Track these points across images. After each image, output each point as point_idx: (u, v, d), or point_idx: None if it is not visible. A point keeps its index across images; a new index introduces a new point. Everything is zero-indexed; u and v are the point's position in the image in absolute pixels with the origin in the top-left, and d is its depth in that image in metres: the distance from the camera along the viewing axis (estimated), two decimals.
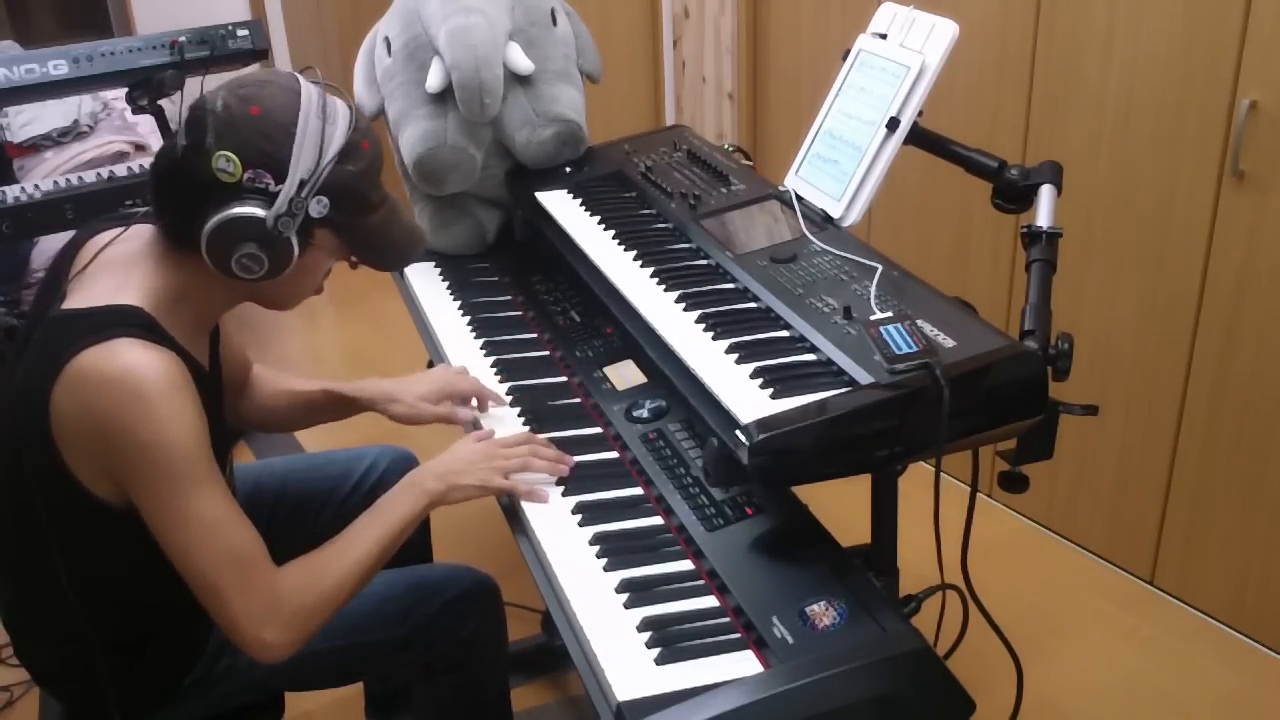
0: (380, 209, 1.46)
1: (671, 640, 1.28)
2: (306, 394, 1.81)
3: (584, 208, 2.00)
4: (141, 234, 1.43)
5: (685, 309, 1.61)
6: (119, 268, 1.39)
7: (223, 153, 1.31)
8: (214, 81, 1.42)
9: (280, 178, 1.33)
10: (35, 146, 3.70)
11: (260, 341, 3.93)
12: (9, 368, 1.39)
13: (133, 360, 1.27)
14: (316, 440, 3.16)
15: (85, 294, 1.36)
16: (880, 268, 1.56)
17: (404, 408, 1.75)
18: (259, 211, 1.32)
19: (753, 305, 1.59)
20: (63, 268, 1.44)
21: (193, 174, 1.32)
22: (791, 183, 1.83)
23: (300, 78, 1.40)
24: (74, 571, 1.40)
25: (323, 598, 1.39)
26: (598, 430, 1.70)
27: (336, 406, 1.81)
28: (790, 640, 1.23)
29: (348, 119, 1.40)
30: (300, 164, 1.34)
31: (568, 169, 2.17)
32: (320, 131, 1.35)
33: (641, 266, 1.75)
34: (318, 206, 1.36)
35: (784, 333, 1.52)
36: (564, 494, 1.55)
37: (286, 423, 1.86)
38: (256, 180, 1.32)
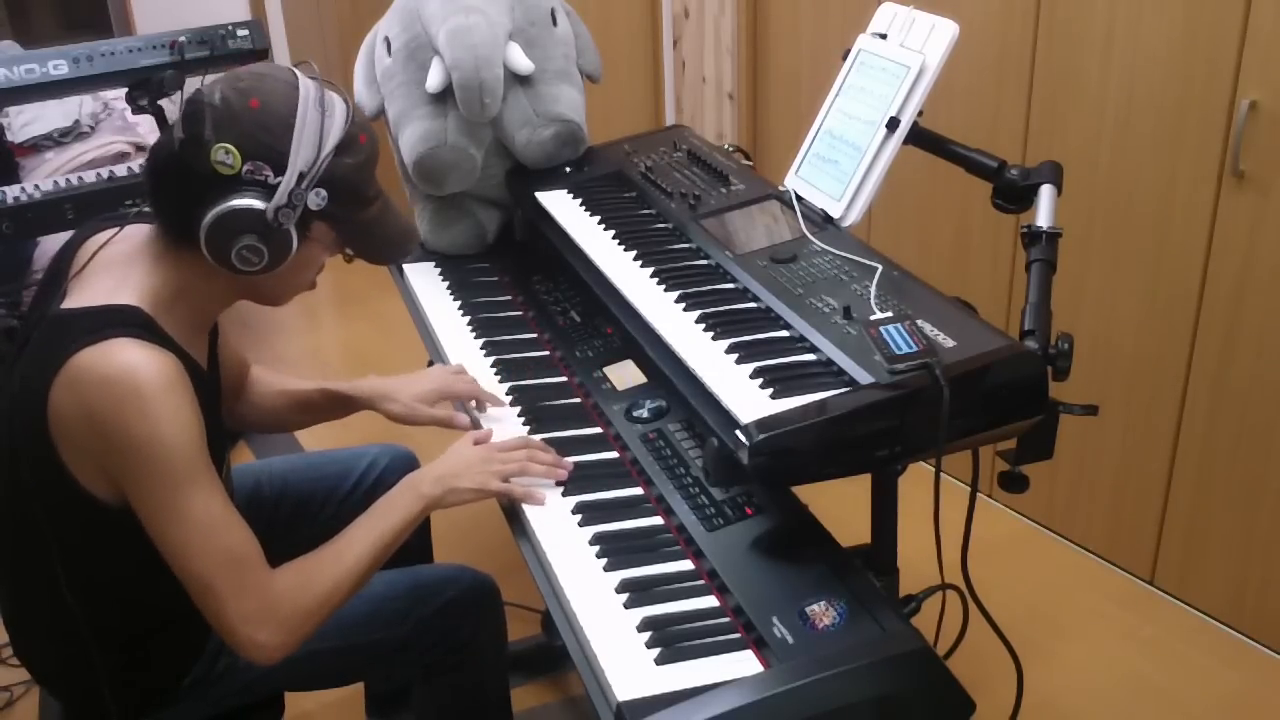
0: (375, 203, 1.47)
1: (671, 640, 1.28)
2: (303, 393, 1.82)
3: (584, 208, 2.00)
4: (137, 233, 1.43)
5: (685, 309, 1.61)
6: (117, 267, 1.39)
7: (222, 144, 1.31)
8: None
9: (279, 170, 1.33)
10: (36, 147, 3.70)
11: (260, 341, 3.93)
12: (8, 367, 1.40)
13: (130, 359, 1.27)
14: (317, 439, 3.16)
15: (84, 294, 1.36)
16: (880, 268, 1.56)
17: (400, 407, 1.75)
18: (259, 203, 1.32)
19: (753, 305, 1.59)
20: (62, 267, 1.45)
21: (191, 167, 1.32)
22: (791, 183, 1.83)
23: (297, 71, 1.40)
24: (71, 570, 1.40)
25: (318, 600, 1.39)
26: (598, 430, 1.70)
27: (334, 405, 1.81)
28: (790, 640, 1.23)
29: (345, 112, 1.40)
30: (300, 156, 1.34)
31: (568, 169, 2.17)
32: (319, 124, 1.36)
33: (641, 266, 1.75)
34: (316, 199, 1.37)
35: (784, 333, 1.52)
36: (564, 494, 1.55)
37: (284, 423, 1.87)
38: (256, 172, 1.32)
